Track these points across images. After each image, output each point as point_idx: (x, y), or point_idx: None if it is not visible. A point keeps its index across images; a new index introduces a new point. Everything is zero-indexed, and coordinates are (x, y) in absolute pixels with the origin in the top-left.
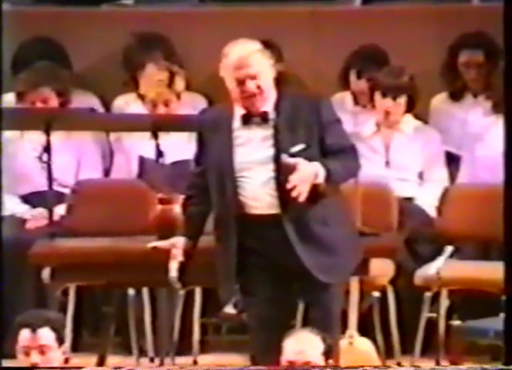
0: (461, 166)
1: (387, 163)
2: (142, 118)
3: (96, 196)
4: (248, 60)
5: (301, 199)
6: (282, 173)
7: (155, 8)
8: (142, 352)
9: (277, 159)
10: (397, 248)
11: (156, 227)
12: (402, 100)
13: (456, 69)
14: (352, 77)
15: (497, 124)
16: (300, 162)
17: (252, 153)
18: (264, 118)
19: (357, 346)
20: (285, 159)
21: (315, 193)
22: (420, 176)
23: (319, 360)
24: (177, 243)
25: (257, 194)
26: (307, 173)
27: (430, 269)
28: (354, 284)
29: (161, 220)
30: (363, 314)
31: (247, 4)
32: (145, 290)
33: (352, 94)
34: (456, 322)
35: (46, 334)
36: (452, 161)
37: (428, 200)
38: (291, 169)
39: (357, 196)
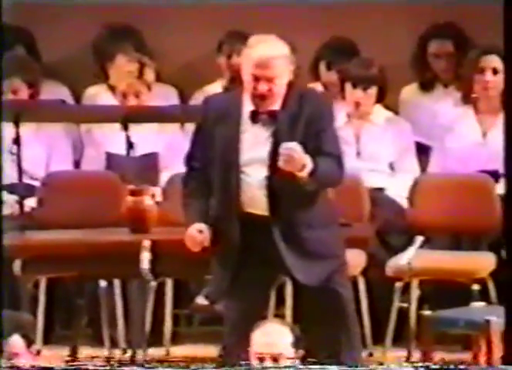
0: (431, 157)
1: (358, 154)
2: (112, 109)
3: (67, 189)
4: (271, 63)
5: (284, 166)
6: (275, 172)
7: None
8: (114, 344)
9: (272, 156)
10: (368, 239)
11: (127, 219)
12: (373, 91)
13: (426, 60)
14: (322, 68)
15: (467, 115)
16: (297, 147)
17: (256, 150)
18: (271, 116)
19: None
20: (284, 144)
21: (304, 195)
22: (391, 166)
23: (289, 351)
24: (202, 229)
25: (254, 193)
26: (299, 157)
27: (401, 259)
28: None
29: (132, 212)
30: None
31: None
32: (116, 282)
33: (322, 85)
34: (427, 312)
35: (16, 342)
36: (422, 152)
37: (399, 191)
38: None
39: None
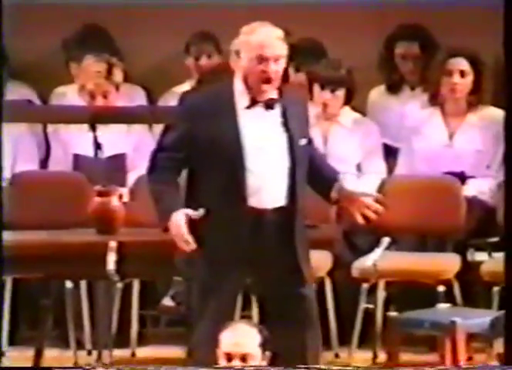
0: (398, 159)
1: (325, 155)
2: (80, 110)
3: (33, 189)
4: (276, 42)
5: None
6: (296, 164)
7: None
8: (79, 345)
9: (291, 148)
10: (335, 240)
11: (94, 220)
12: (340, 93)
13: (393, 62)
14: (291, 70)
15: (434, 116)
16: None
17: (261, 141)
18: (268, 104)
19: None
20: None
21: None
22: (358, 168)
23: (256, 352)
24: (177, 219)
25: (266, 185)
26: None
27: (367, 261)
28: None
29: (99, 213)
30: None
31: None
32: (83, 283)
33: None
34: (393, 313)
35: None
36: (389, 153)
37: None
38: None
39: None
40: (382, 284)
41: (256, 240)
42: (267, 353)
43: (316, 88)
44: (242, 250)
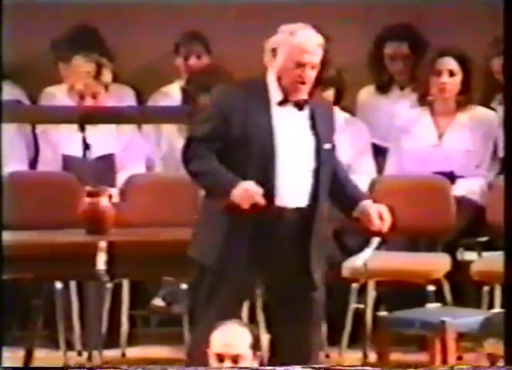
0: (388, 158)
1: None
2: (69, 110)
3: (23, 190)
4: (316, 49)
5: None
6: (321, 166)
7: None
8: (69, 346)
9: (317, 150)
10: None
11: (83, 220)
12: (330, 93)
13: (382, 62)
14: None
15: (423, 116)
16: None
17: (293, 138)
18: (299, 105)
19: None
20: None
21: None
22: (348, 167)
23: (247, 352)
24: (251, 186)
25: (291, 184)
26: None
27: (357, 260)
28: None
29: (89, 213)
30: None
31: None
32: (73, 284)
33: None
34: (383, 313)
35: None
36: (379, 153)
37: None
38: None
39: None
40: (372, 284)
41: (272, 239)
42: (259, 353)
43: None
44: (259, 249)
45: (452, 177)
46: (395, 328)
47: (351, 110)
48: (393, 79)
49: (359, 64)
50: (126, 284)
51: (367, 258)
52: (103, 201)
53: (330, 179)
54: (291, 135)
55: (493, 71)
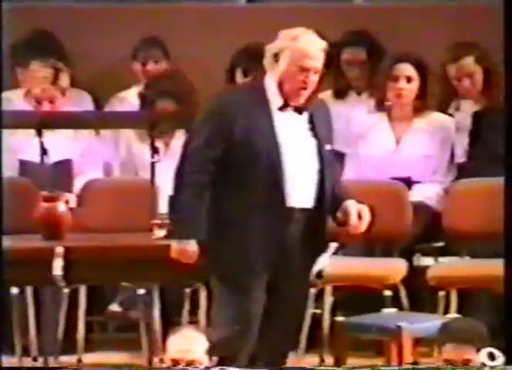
0: (345, 164)
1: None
2: (26, 115)
3: None
4: (319, 54)
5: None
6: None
7: (41, 3)
8: (25, 351)
9: (319, 152)
10: None
11: (40, 225)
12: None
13: (340, 67)
14: (239, 75)
15: (380, 122)
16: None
17: (296, 141)
18: (299, 109)
19: None
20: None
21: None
22: None
23: (203, 358)
24: (191, 247)
25: (300, 186)
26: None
27: (317, 265)
28: None
29: (45, 218)
30: None
31: (135, 0)
32: (28, 289)
33: None
34: (340, 318)
35: None
36: (336, 159)
37: None
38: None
39: None
40: (329, 289)
41: (283, 239)
42: (214, 358)
43: None
44: (272, 251)
45: (409, 183)
46: (351, 333)
47: None
48: (350, 85)
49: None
50: (82, 289)
51: (324, 263)
52: (60, 206)
53: (332, 179)
54: (294, 138)
55: (450, 77)
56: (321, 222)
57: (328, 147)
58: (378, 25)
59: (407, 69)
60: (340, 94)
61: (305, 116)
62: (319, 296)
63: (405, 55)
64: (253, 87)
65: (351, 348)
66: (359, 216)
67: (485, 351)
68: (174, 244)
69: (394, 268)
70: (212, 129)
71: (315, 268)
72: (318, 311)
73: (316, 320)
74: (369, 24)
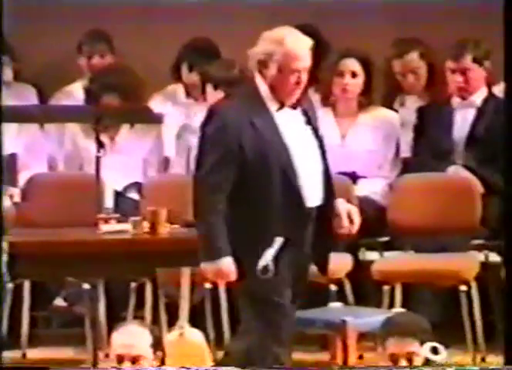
0: None
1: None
2: None
3: None
4: (307, 53)
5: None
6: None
7: None
8: None
9: (321, 145)
10: None
11: None
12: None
13: None
14: (184, 70)
15: (326, 117)
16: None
17: (299, 137)
18: (293, 106)
19: (188, 337)
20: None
21: None
22: None
23: (148, 353)
24: (226, 265)
25: (310, 183)
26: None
27: (261, 260)
28: (185, 276)
29: None
30: (195, 305)
31: None
32: None
33: (184, 86)
34: None
35: None
36: None
37: None
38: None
39: (188, 188)
40: None
41: (300, 239)
42: (159, 353)
43: (209, 88)
44: (294, 255)
45: (354, 177)
46: (297, 328)
47: None
48: None
49: None
50: (27, 284)
51: (270, 258)
52: (4, 201)
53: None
54: (296, 135)
55: (395, 72)
56: (330, 218)
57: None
58: (324, 20)
59: (352, 65)
60: None
61: (299, 110)
62: None
63: (351, 50)
64: (248, 93)
65: (296, 342)
66: (350, 219)
67: (428, 345)
68: (209, 267)
69: (340, 263)
70: (222, 151)
71: (260, 263)
72: None
73: None
74: (314, 19)
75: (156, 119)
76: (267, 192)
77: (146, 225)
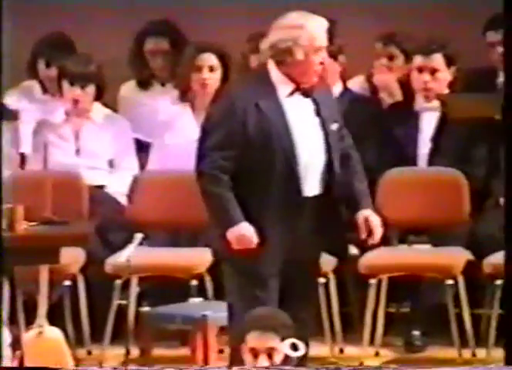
0: (150, 154)
1: (77, 151)
2: None
3: None
4: (326, 34)
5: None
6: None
7: None
8: None
9: (326, 135)
10: (87, 236)
11: None
12: (91, 89)
13: (143, 57)
14: (41, 65)
15: (185, 112)
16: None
17: (303, 127)
18: (306, 92)
19: (47, 336)
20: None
21: None
22: (111, 164)
23: (7, 351)
24: (249, 231)
25: (309, 173)
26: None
27: (121, 257)
28: (43, 273)
29: None
30: (54, 303)
31: None
32: None
33: (40, 82)
34: (145, 308)
35: None
36: (143, 149)
37: (118, 188)
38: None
39: (47, 185)
40: (135, 280)
41: (297, 228)
42: (18, 353)
43: (65, 84)
44: (287, 239)
45: None
46: (157, 323)
47: (112, 106)
48: (154, 75)
49: (120, 60)
50: None
51: (130, 254)
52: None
53: (340, 162)
54: (302, 123)
55: (251, 67)
56: (333, 208)
57: (334, 126)
58: (181, 15)
59: (210, 59)
60: (144, 84)
61: (310, 98)
62: (126, 287)
63: (208, 44)
64: (259, 78)
65: (157, 338)
66: (370, 232)
67: (288, 341)
68: (229, 235)
69: (200, 258)
70: (226, 132)
71: (121, 258)
72: (124, 302)
73: (122, 311)
74: (172, 13)
75: (11, 116)
76: (267, 175)
77: (3, 222)
